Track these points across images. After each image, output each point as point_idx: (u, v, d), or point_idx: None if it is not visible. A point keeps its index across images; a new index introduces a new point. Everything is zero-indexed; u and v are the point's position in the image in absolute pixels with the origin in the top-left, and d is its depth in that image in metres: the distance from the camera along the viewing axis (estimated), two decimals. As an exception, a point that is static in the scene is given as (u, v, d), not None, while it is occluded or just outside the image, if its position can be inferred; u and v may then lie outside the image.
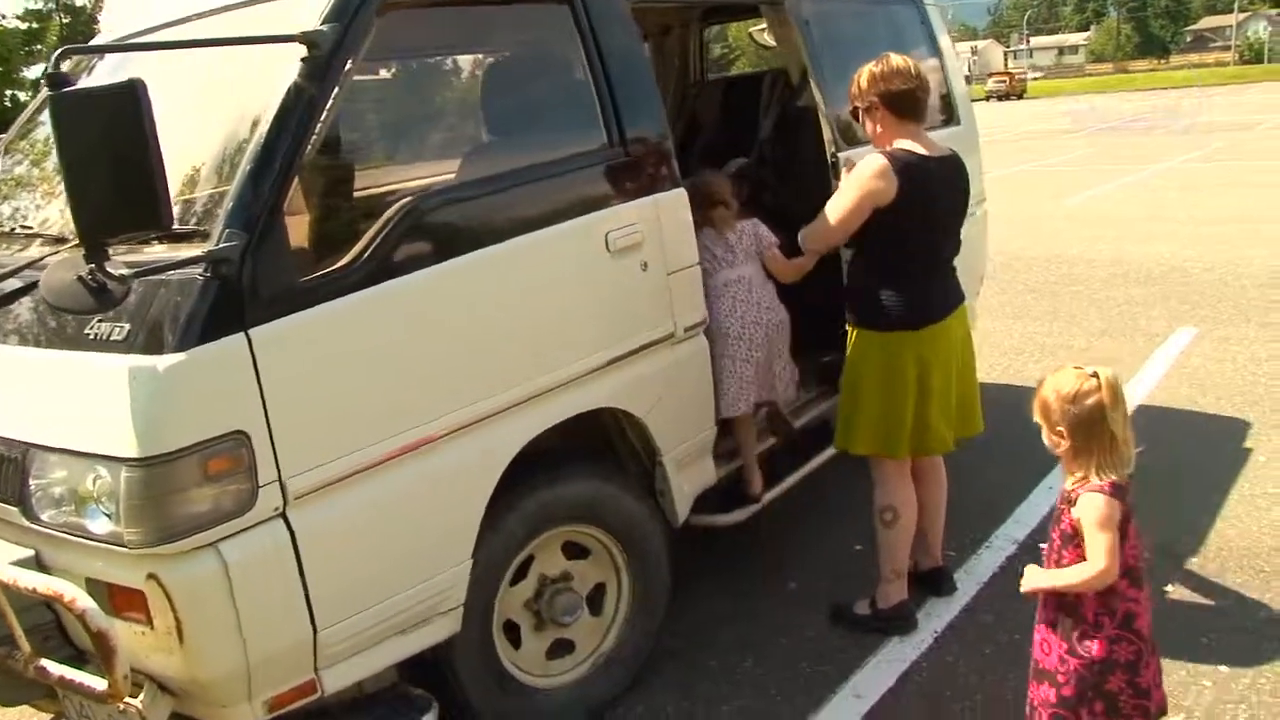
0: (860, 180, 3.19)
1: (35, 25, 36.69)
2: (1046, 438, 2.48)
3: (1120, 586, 2.39)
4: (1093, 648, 2.41)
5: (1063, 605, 2.47)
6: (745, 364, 3.53)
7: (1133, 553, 2.41)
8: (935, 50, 4.99)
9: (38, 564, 2.42)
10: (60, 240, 2.69)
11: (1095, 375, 2.41)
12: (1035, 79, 77.11)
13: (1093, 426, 2.38)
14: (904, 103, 3.21)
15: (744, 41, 8.65)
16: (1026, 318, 7.63)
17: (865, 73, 3.26)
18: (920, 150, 3.21)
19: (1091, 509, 2.37)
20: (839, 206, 3.26)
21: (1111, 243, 10.30)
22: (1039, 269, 9.31)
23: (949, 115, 4.95)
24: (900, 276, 3.24)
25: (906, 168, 3.14)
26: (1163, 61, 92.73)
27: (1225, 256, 9.12)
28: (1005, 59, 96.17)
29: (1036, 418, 2.48)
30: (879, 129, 3.27)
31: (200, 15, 3.03)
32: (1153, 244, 10.03)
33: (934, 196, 3.22)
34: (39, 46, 33.45)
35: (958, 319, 3.36)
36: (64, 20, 37.77)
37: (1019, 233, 11.05)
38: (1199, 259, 9.13)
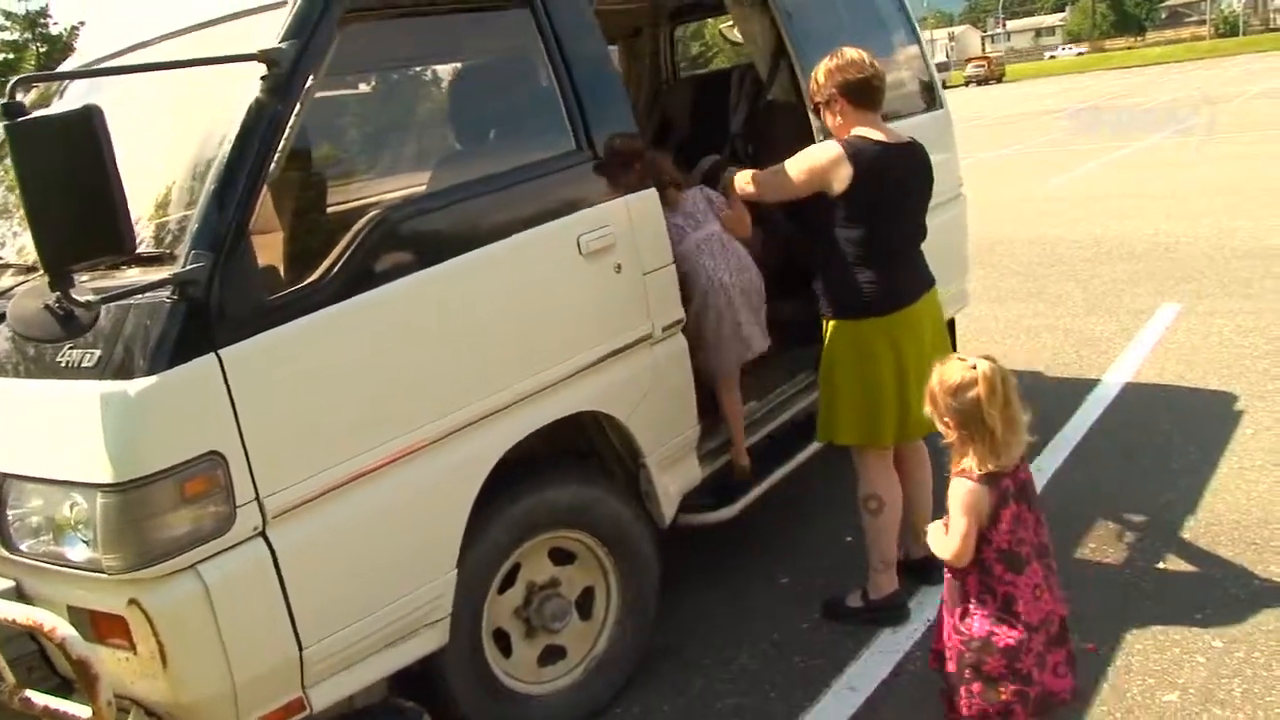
0: (811, 159, 3.25)
1: (11, 56, 36.69)
2: (937, 426, 2.55)
3: (996, 570, 2.49)
4: (973, 625, 2.50)
5: (953, 585, 2.56)
6: (745, 308, 3.62)
7: (1007, 539, 2.48)
8: (914, 37, 5.00)
9: (19, 594, 2.42)
10: (32, 269, 2.68)
11: (975, 367, 2.46)
12: (1079, 54, 77.53)
13: (972, 418, 2.46)
14: (861, 92, 3.24)
15: (720, 39, 8.66)
16: (1011, 300, 7.64)
17: (821, 68, 3.31)
18: (879, 137, 3.23)
19: (955, 494, 2.49)
20: (790, 173, 3.30)
21: (1095, 222, 10.32)
22: (1023, 251, 9.33)
23: (930, 101, 4.97)
24: (866, 263, 3.24)
25: (862, 154, 3.17)
26: (1139, 39, 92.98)
27: (1208, 230, 9.15)
28: (983, 44, 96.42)
29: (927, 408, 2.56)
30: (839, 120, 3.30)
31: (163, 38, 3.02)
32: (1136, 221, 10.06)
33: (894, 183, 3.24)
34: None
35: (928, 302, 3.38)
36: (40, 49, 37.72)
37: (1003, 217, 11.07)
38: (1182, 234, 9.16)
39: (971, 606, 2.51)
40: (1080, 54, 79.40)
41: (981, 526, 2.48)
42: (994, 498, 2.46)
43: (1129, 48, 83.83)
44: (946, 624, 2.60)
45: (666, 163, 3.71)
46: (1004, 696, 2.47)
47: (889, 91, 4.53)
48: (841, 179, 3.16)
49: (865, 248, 3.23)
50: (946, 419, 2.50)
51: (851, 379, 3.32)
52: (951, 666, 2.56)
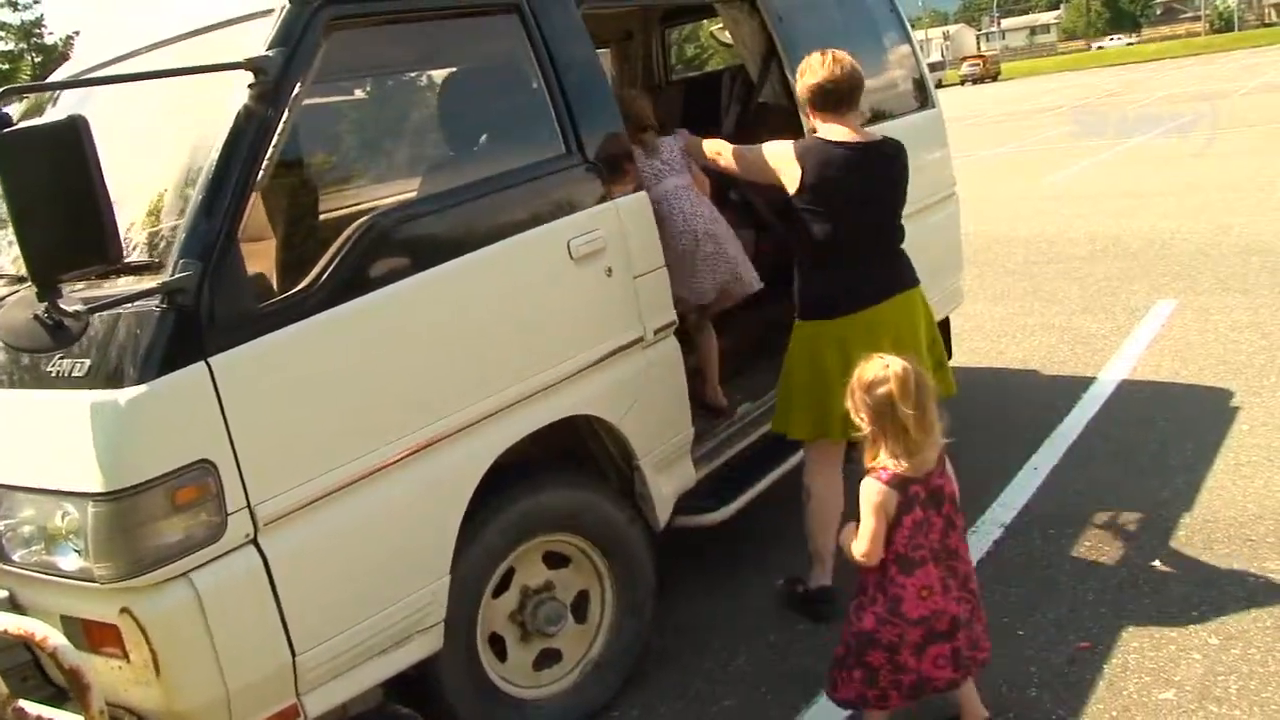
0: (767, 154, 3.37)
1: (7, 66, 36.77)
2: (854, 419, 2.69)
3: (891, 572, 2.64)
4: (864, 619, 2.67)
5: (858, 579, 2.74)
6: (723, 249, 3.75)
7: (905, 544, 2.62)
8: (906, 37, 5.00)
9: (12, 604, 2.43)
10: (22, 280, 2.68)
11: (889, 366, 2.60)
12: (1129, 44, 78.83)
13: (883, 415, 2.61)
14: (822, 96, 3.30)
15: (713, 41, 8.66)
16: (1008, 299, 7.63)
17: (797, 72, 3.40)
18: (840, 138, 3.25)
19: (865, 493, 2.63)
20: (750, 158, 3.44)
21: (1091, 219, 10.31)
22: (1019, 250, 9.32)
23: (923, 100, 4.97)
24: (822, 265, 3.30)
25: (810, 155, 3.23)
26: (1135, 36, 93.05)
27: (1203, 226, 9.15)
28: (978, 42, 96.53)
29: (846, 401, 2.69)
30: (811, 122, 3.39)
31: (153, 47, 3.02)
32: (1131, 218, 10.05)
33: (850, 184, 3.24)
34: (12, 86, 33.60)
35: (898, 306, 3.33)
36: (36, 60, 37.78)
37: (999, 215, 11.07)
38: (1177, 230, 9.15)
39: (864, 601, 2.68)
40: (1130, 44, 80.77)
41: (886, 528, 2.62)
42: (900, 501, 2.60)
43: (1125, 44, 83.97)
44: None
45: (645, 104, 3.79)
46: (882, 683, 2.66)
47: (881, 92, 4.55)
48: (791, 178, 3.24)
49: (821, 249, 3.29)
50: (861, 413, 2.65)
51: (803, 377, 3.37)
52: (840, 651, 2.75)
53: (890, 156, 3.33)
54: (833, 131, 3.26)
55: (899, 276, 3.38)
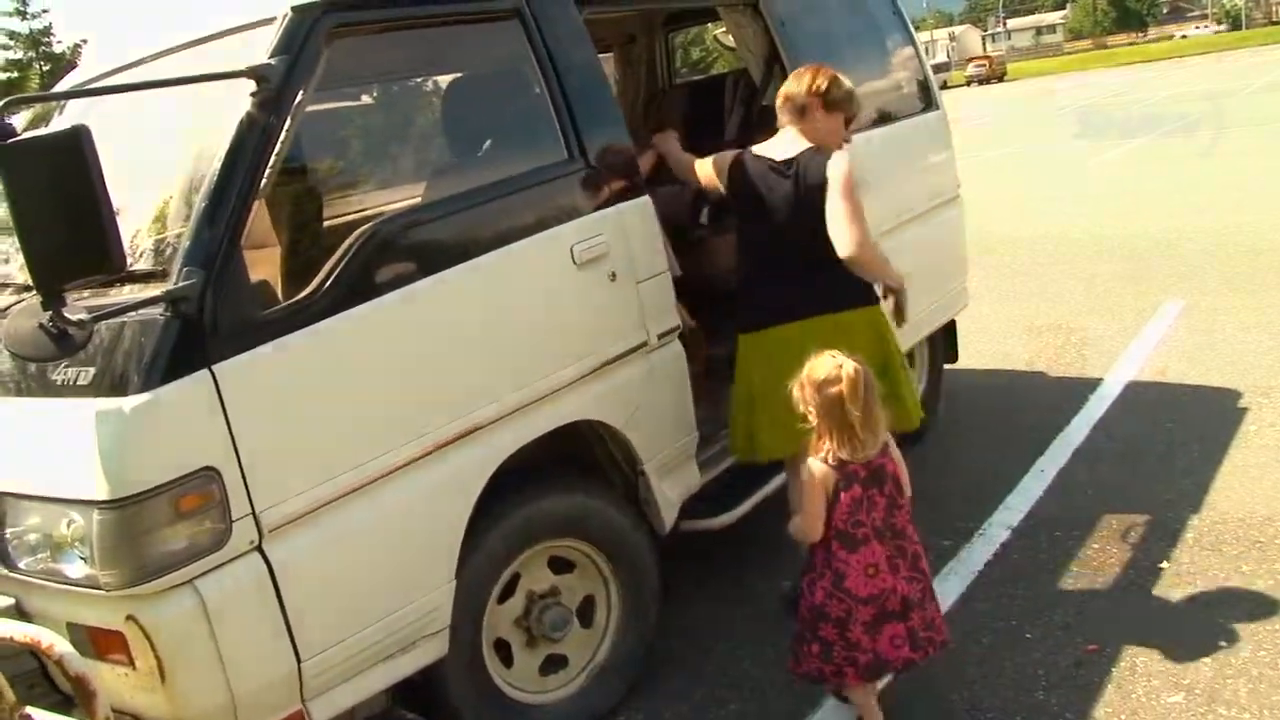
0: (708, 163, 3.45)
1: (16, 75, 36.98)
2: (803, 410, 2.76)
3: (833, 548, 2.75)
4: (815, 594, 2.78)
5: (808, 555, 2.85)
6: None
7: (845, 520, 2.73)
8: (909, 39, 5.00)
9: (18, 611, 2.44)
10: (28, 288, 2.70)
11: (841, 366, 2.67)
12: (1216, 32, 78.34)
13: (832, 412, 2.70)
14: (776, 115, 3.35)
15: (717, 45, 8.66)
16: (1013, 299, 7.61)
17: None
18: (761, 151, 3.28)
19: (806, 474, 2.77)
20: (708, 164, 3.45)
21: (1097, 219, 10.28)
22: (1025, 250, 9.30)
23: (927, 103, 4.96)
24: (742, 276, 3.36)
25: (734, 167, 3.31)
26: (1141, 35, 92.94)
27: (1210, 226, 9.11)
28: (984, 43, 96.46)
29: (795, 393, 2.76)
30: None
31: (157, 55, 3.03)
32: (1138, 218, 10.02)
33: (759, 199, 3.24)
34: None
35: (817, 329, 3.12)
36: (44, 68, 37.99)
37: (1005, 215, 11.04)
38: (1184, 230, 9.12)
39: (814, 577, 2.78)
40: (1217, 32, 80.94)
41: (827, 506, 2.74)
42: (838, 479, 2.72)
43: (1131, 44, 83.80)
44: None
45: None
46: (836, 659, 2.76)
47: (883, 95, 4.55)
48: (721, 187, 3.35)
49: (740, 261, 3.36)
50: (810, 407, 2.72)
51: (734, 388, 3.38)
52: (799, 626, 2.85)
53: (800, 175, 3.17)
54: (765, 144, 3.29)
55: (819, 298, 3.19)
